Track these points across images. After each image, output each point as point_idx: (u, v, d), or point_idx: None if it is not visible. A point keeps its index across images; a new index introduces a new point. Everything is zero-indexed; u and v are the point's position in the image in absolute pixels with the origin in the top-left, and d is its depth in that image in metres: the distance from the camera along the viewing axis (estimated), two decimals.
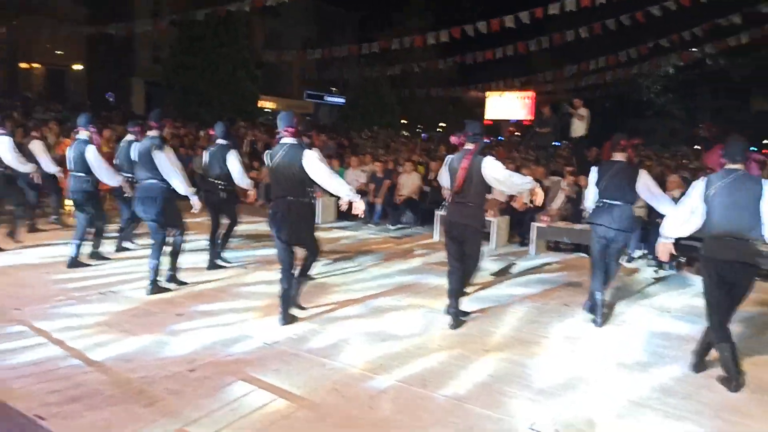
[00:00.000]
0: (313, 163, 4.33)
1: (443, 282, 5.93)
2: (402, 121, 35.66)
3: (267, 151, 4.66)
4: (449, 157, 4.87)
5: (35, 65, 27.76)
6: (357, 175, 10.75)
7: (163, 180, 5.25)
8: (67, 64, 28.36)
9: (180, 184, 5.28)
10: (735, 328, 4.95)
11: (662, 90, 27.69)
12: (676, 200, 7.33)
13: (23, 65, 27.24)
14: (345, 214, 10.17)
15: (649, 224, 7.66)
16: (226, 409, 3.16)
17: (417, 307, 5.24)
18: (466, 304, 5.32)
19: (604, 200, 4.86)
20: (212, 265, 6.25)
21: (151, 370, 3.59)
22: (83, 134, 5.98)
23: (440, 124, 39.44)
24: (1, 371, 3.45)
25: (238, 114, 22.45)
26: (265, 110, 31.93)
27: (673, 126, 29.17)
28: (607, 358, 4.19)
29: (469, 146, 4.61)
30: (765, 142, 33.13)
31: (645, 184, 4.83)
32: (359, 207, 4.46)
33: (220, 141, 6.31)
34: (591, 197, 5.05)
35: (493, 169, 4.47)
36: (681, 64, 23.38)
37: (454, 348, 4.24)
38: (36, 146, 7.56)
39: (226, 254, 6.55)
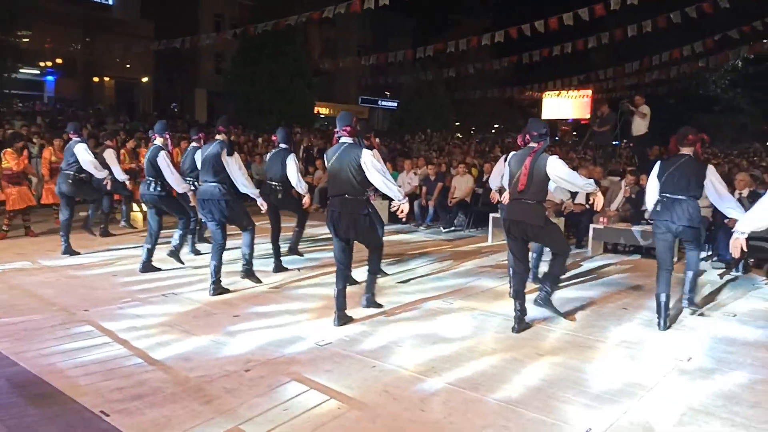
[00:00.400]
0: (369, 163, 4.43)
1: (496, 284, 5.90)
2: (455, 123, 35.42)
3: (326, 152, 4.80)
4: (510, 155, 4.81)
5: (106, 79, 29.36)
6: (410, 178, 10.78)
7: (224, 183, 5.46)
8: (135, 77, 29.87)
9: (248, 187, 5.61)
10: None
11: (730, 84, 26.27)
12: (743, 200, 7.01)
13: (95, 79, 28.88)
14: (395, 217, 10.22)
15: (714, 225, 7.31)
16: (280, 408, 3.23)
17: (469, 309, 5.20)
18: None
19: (666, 195, 4.69)
20: (277, 268, 6.44)
21: (209, 369, 3.72)
22: (158, 140, 6.30)
23: (494, 126, 38.94)
24: (69, 369, 3.65)
25: (295, 121, 22.98)
26: (320, 116, 32.50)
27: (743, 122, 27.65)
28: (668, 363, 4.02)
29: (533, 145, 4.53)
30: None
31: (711, 182, 4.63)
32: (404, 209, 4.58)
33: (282, 145, 6.50)
34: (651, 194, 4.87)
35: (557, 168, 4.39)
36: (751, 56, 22.15)
37: (506, 351, 4.18)
38: (109, 155, 8.02)
39: (284, 258, 6.72)
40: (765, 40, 17.17)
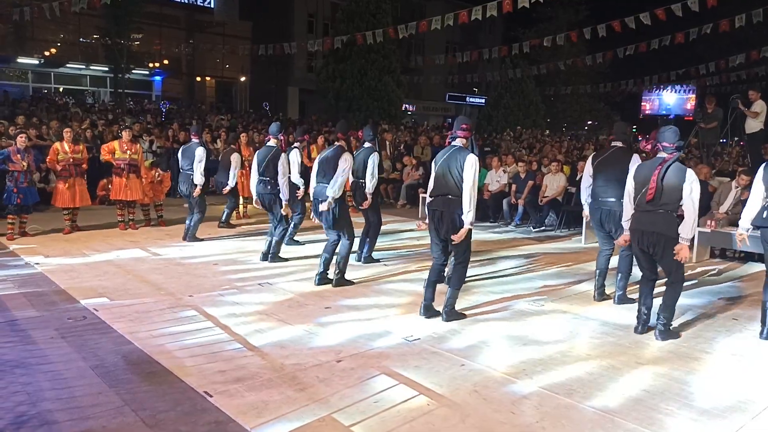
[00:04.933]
0: (468, 170, 4.43)
1: (589, 288, 5.66)
2: (546, 120, 34.37)
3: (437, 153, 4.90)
4: (638, 166, 4.59)
5: (207, 78, 31.11)
6: (498, 175, 10.58)
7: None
8: (234, 76, 31.42)
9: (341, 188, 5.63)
10: None
11: None
12: None
13: (198, 78, 30.67)
14: (485, 215, 10.10)
15: None
16: (370, 400, 3.28)
17: (561, 312, 5.04)
18: (620, 313, 5.03)
19: None
20: (364, 260, 6.68)
21: (303, 357, 3.85)
22: (273, 141, 6.60)
23: (587, 123, 37.39)
24: (176, 350, 3.91)
25: (383, 117, 23.25)
26: (408, 113, 32.64)
27: None
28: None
29: (663, 155, 4.34)
30: None
31: None
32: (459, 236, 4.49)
33: (366, 144, 6.59)
34: (755, 198, 4.46)
35: (691, 188, 4.21)
36: None
37: (603, 358, 4.01)
38: (235, 158, 8.55)
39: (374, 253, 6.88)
40: None
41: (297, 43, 18.52)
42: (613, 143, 5.30)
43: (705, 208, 7.28)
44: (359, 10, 23.90)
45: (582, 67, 25.78)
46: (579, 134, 30.69)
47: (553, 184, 9.68)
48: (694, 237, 6.44)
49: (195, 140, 7.84)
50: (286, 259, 6.69)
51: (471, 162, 4.44)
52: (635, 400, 3.35)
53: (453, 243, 4.55)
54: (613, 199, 5.06)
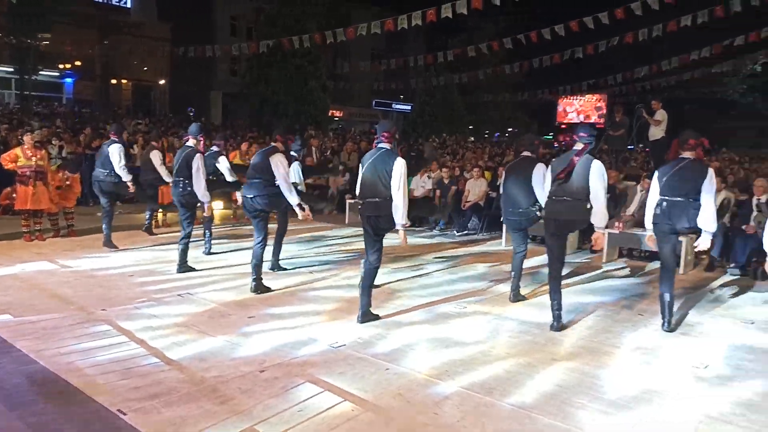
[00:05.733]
0: (396, 172, 4.55)
1: (508, 289, 5.86)
2: (469, 127, 35.37)
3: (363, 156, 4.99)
4: (555, 160, 5.02)
5: (124, 81, 29.74)
6: (423, 181, 10.78)
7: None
8: (152, 79, 30.21)
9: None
10: None
11: (748, 89, 25.99)
12: (761, 205, 6.93)
13: (113, 81, 29.25)
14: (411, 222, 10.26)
15: (730, 231, 7.23)
16: (294, 409, 3.24)
17: (482, 313, 5.19)
18: (537, 312, 5.24)
19: (667, 197, 4.66)
20: (274, 267, 6.54)
21: (224, 369, 3.75)
22: (191, 142, 6.40)
23: (508, 129, 38.79)
24: (87, 367, 3.70)
25: (310, 123, 23.09)
26: (335, 118, 32.60)
27: (762, 126, 27.31)
28: (684, 370, 3.98)
29: (579, 146, 4.73)
30: None
31: (704, 185, 4.56)
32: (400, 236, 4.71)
33: (292, 153, 6.58)
34: (653, 198, 4.82)
35: (596, 176, 4.55)
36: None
37: (520, 356, 4.16)
38: (155, 155, 8.15)
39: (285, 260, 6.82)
40: None
41: (220, 46, 18.09)
42: (523, 152, 5.56)
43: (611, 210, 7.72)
44: (283, 14, 23.66)
45: (502, 76, 26.73)
46: (501, 141, 31.77)
47: (475, 189, 9.98)
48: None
49: (114, 139, 7.49)
50: (195, 269, 6.46)
51: (399, 165, 4.54)
52: (550, 395, 3.50)
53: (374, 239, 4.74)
54: (522, 209, 5.34)
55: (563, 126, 32.03)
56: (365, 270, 4.80)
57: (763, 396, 3.59)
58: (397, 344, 4.31)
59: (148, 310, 4.95)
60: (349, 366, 3.87)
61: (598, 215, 4.60)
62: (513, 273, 5.61)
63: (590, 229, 4.75)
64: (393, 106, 39.83)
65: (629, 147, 14.40)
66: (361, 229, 4.84)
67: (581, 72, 23.42)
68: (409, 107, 37.12)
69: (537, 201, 5.23)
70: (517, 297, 5.59)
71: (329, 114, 28.47)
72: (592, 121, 25.31)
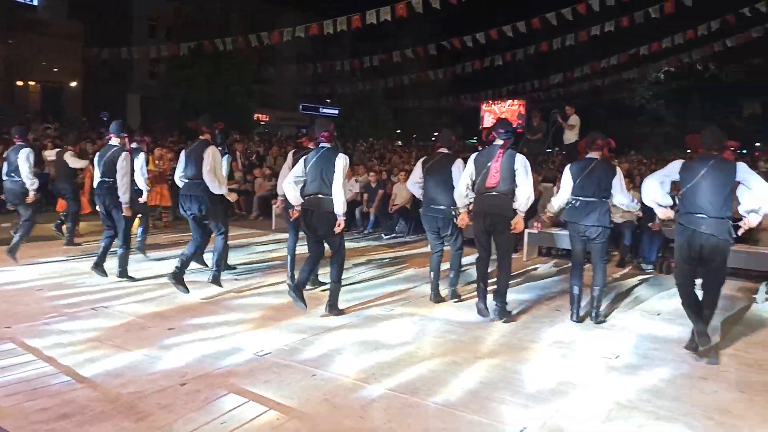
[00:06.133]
0: (339, 168, 4.81)
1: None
2: (396, 131, 35.81)
3: (305, 156, 5.07)
4: (477, 154, 5.13)
5: (31, 83, 27.90)
6: (350, 185, 10.79)
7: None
8: (63, 81, 28.51)
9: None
10: (726, 328, 5.01)
11: (654, 96, 27.89)
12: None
13: (19, 83, 27.38)
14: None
15: (639, 227, 7.71)
16: (217, 422, 3.15)
17: (409, 315, 5.26)
18: (462, 311, 5.37)
19: (579, 198, 4.88)
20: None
21: (142, 385, 3.59)
22: (115, 140, 6.16)
23: (434, 134, 39.58)
24: None
25: (234, 127, 22.54)
26: (260, 123, 32.05)
27: (667, 131, 29.39)
28: (597, 361, 4.20)
29: (500, 141, 4.88)
30: (757, 144, 33.30)
31: (614, 183, 4.88)
32: (339, 226, 4.92)
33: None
34: (563, 196, 5.03)
35: (521, 167, 4.76)
36: (672, 69, 23.58)
37: (445, 355, 4.25)
38: (68, 156, 7.71)
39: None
40: (686, 57, 18.33)
41: (137, 47, 17.36)
42: (440, 150, 5.66)
43: (532, 211, 8.04)
44: (205, 16, 23.05)
45: (426, 82, 27.27)
46: (427, 145, 32.35)
47: (402, 192, 10.09)
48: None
49: (19, 143, 7.01)
50: (135, 279, 6.22)
51: (341, 160, 4.83)
52: (473, 393, 3.60)
53: (328, 238, 4.97)
54: (444, 206, 5.45)
55: (486, 130, 33.15)
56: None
57: (667, 382, 3.85)
58: (324, 349, 4.29)
59: (58, 326, 4.66)
60: (275, 374, 3.81)
61: (521, 200, 4.81)
62: (432, 273, 5.69)
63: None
64: (320, 110, 39.65)
65: (547, 150, 15.08)
66: (286, 235, 4.83)
67: (501, 78, 24.34)
68: (336, 112, 37.08)
69: (454, 202, 5.34)
70: (437, 297, 5.66)
71: (255, 118, 27.98)
72: (514, 126, 26.31)
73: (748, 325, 5.23)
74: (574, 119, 10.78)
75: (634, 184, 8.95)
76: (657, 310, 5.60)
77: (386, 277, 6.86)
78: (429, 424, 3.20)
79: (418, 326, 4.94)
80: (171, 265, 6.07)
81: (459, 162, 5.42)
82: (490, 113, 29.62)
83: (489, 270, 5.19)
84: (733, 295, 6.27)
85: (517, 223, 4.88)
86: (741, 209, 4.15)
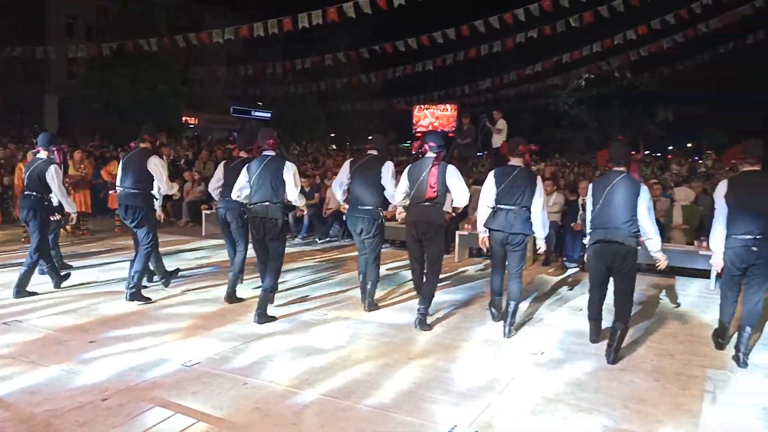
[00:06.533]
0: (290, 179, 5.02)
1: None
2: (330, 135, 35.69)
3: (247, 165, 5.22)
4: (411, 167, 5.13)
5: None
6: None
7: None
8: None
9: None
10: (641, 322, 5.31)
11: (576, 102, 29.28)
12: (586, 205, 7.76)
13: None
14: None
15: (563, 228, 8.05)
16: None
17: (343, 319, 5.25)
18: (395, 314, 5.41)
19: (500, 205, 4.81)
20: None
21: (60, 402, 3.40)
22: (43, 154, 5.83)
23: (368, 138, 39.78)
24: None
25: (161, 130, 21.73)
26: (189, 125, 31.12)
27: (588, 136, 30.92)
28: (525, 357, 4.35)
29: (432, 154, 4.91)
30: (670, 148, 35.59)
31: (535, 192, 4.81)
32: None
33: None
34: (487, 202, 4.95)
35: (453, 177, 4.85)
36: (592, 77, 24.80)
37: (379, 358, 4.27)
38: None
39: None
40: (604, 64, 19.34)
41: (54, 47, 16.41)
42: (369, 152, 5.64)
43: (464, 213, 8.23)
44: (128, 15, 22.09)
45: (361, 85, 27.38)
46: (361, 149, 32.44)
47: (336, 196, 10.07)
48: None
49: None
50: (34, 293, 5.78)
51: (290, 169, 5.03)
52: (406, 393, 3.64)
53: (272, 243, 5.09)
54: (370, 207, 5.36)
55: (419, 135, 33.60)
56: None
57: (589, 375, 4.03)
58: (255, 357, 4.21)
59: None
60: (204, 384, 3.70)
61: (462, 201, 4.98)
62: (361, 275, 5.65)
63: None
64: (252, 113, 38.94)
65: (478, 154, 15.48)
66: (216, 240, 4.72)
67: (433, 83, 24.80)
68: (268, 115, 36.51)
69: (381, 204, 5.35)
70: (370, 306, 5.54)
71: (183, 121, 27.11)
72: (446, 130, 26.80)
73: (661, 318, 5.55)
74: (502, 123, 11.13)
75: (558, 186, 9.36)
76: (580, 306, 5.85)
77: (320, 281, 6.82)
78: (362, 427, 3.21)
79: (351, 330, 4.94)
80: (91, 275, 5.80)
81: (389, 164, 5.44)
82: (423, 117, 30.11)
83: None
84: (647, 290, 6.66)
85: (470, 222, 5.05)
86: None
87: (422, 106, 29.49)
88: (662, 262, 4.46)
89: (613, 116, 28.17)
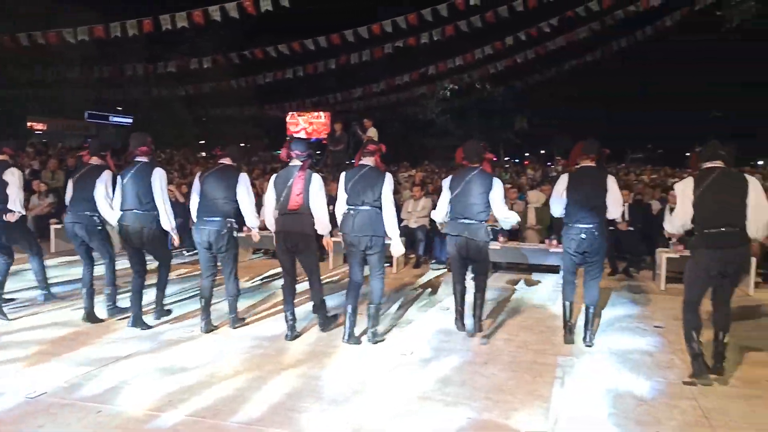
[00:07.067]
0: (157, 186, 4.98)
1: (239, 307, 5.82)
2: (200, 142, 34.25)
3: (120, 173, 5.13)
4: (276, 176, 4.95)
5: None
6: None
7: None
8: None
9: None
10: (499, 316, 5.68)
11: (442, 111, 30.77)
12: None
13: None
14: None
15: (431, 231, 8.40)
16: None
17: (213, 334, 5.05)
18: (268, 325, 5.30)
19: (350, 207, 4.71)
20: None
21: None
22: None
23: (240, 144, 38.72)
24: None
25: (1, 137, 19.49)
26: (35, 132, 28.28)
27: (454, 144, 32.51)
28: (395, 358, 4.47)
29: (298, 162, 4.81)
30: (527, 155, 38.63)
31: (384, 189, 4.67)
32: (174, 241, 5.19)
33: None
34: (340, 204, 4.85)
35: (316, 188, 4.77)
36: (456, 88, 26.21)
37: (250, 371, 4.16)
38: None
39: None
40: (465, 75, 20.52)
41: None
42: (221, 161, 5.24)
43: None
44: None
45: (231, 90, 26.58)
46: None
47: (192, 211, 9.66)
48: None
49: None
50: None
51: (157, 174, 4.99)
52: (277, 405, 3.58)
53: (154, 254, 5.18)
54: (219, 218, 4.96)
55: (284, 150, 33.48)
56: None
57: (455, 370, 4.24)
58: (112, 382, 3.91)
59: None
60: (51, 416, 3.37)
61: (322, 224, 4.85)
62: (202, 300, 5.23)
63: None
64: (110, 118, 36.21)
65: (351, 161, 15.70)
66: (68, 257, 4.33)
67: (305, 89, 24.75)
68: (129, 120, 34.17)
69: (232, 215, 5.03)
70: (209, 327, 5.14)
71: (29, 126, 24.54)
72: (320, 137, 26.84)
73: (518, 312, 5.97)
74: (372, 131, 11.40)
75: (427, 191, 9.76)
76: (447, 306, 6.14)
77: (189, 298, 6.49)
78: None
79: (221, 345, 4.76)
80: None
81: (244, 176, 5.14)
82: (296, 124, 29.90)
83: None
84: (505, 287, 7.15)
85: (328, 243, 5.05)
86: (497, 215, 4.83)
87: (295, 113, 29.27)
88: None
89: (476, 125, 29.99)
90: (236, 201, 5.02)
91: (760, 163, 27.07)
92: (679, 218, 4.13)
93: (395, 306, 6.08)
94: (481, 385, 3.97)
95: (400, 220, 8.98)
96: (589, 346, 4.74)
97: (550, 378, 4.14)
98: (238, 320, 5.28)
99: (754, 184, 3.91)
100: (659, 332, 5.24)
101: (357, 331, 4.85)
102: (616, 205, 4.68)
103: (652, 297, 6.64)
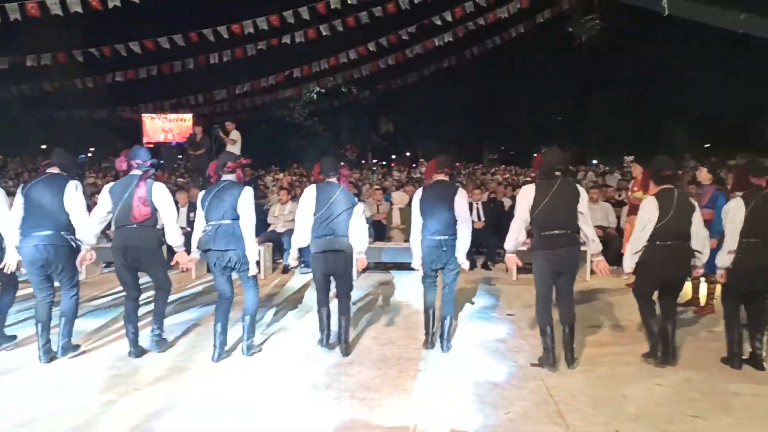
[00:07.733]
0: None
1: (103, 320, 5.38)
2: (42, 147, 31.00)
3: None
4: (112, 185, 4.63)
5: None
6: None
7: None
8: None
9: None
10: (364, 314, 5.80)
11: (310, 113, 30.73)
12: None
13: None
14: None
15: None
16: None
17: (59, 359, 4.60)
18: (115, 346, 4.95)
19: (212, 221, 4.51)
20: None
21: None
22: None
23: (90, 149, 35.66)
24: None
25: None
26: None
27: (323, 145, 32.68)
28: (263, 367, 4.40)
29: (137, 172, 4.56)
30: (393, 157, 39.80)
31: (244, 204, 4.54)
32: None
33: None
34: (200, 222, 4.63)
35: (160, 197, 4.55)
36: (323, 90, 26.34)
37: (102, 393, 3.86)
38: None
39: None
40: (331, 78, 20.70)
41: None
42: (48, 170, 4.74)
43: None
44: None
45: (80, 91, 24.38)
46: (83, 161, 28.90)
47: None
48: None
49: None
50: None
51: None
52: (134, 428, 3.36)
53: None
54: (51, 232, 4.51)
55: (151, 146, 31.46)
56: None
57: (323, 373, 4.26)
58: None
59: None
60: None
61: (176, 234, 4.61)
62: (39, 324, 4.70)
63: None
64: None
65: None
66: None
67: (165, 90, 23.43)
68: None
69: (66, 228, 4.59)
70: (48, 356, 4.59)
71: None
72: (182, 141, 25.50)
73: (383, 310, 6.13)
74: (236, 134, 11.05)
75: (294, 194, 9.69)
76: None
77: (27, 319, 5.85)
78: None
79: (71, 370, 4.35)
80: None
81: (73, 184, 4.63)
82: (154, 127, 28.19)
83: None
84: (371, 286, 7.33)
85: (186, 262, 4.72)
86: None
87: (153, 115, 27.59)
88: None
89: (344, 127, 30.33)
90: (67, 212, 4.54)
91: (594, 162, 30.27)
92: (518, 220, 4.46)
93: (269, 314, 5.99)
94: (348, 385, 4.03)
95: (267, 225, 8.86)
96: (447, 351, 4.74)
97: (414, 372, 4.31)
98: (69, 346, 4.64)
99: (583, 194, 4.37)
100: (511, 320, 5.68)
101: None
102: (462, 220, 4.68)
103: (505, 288, 7.17)
